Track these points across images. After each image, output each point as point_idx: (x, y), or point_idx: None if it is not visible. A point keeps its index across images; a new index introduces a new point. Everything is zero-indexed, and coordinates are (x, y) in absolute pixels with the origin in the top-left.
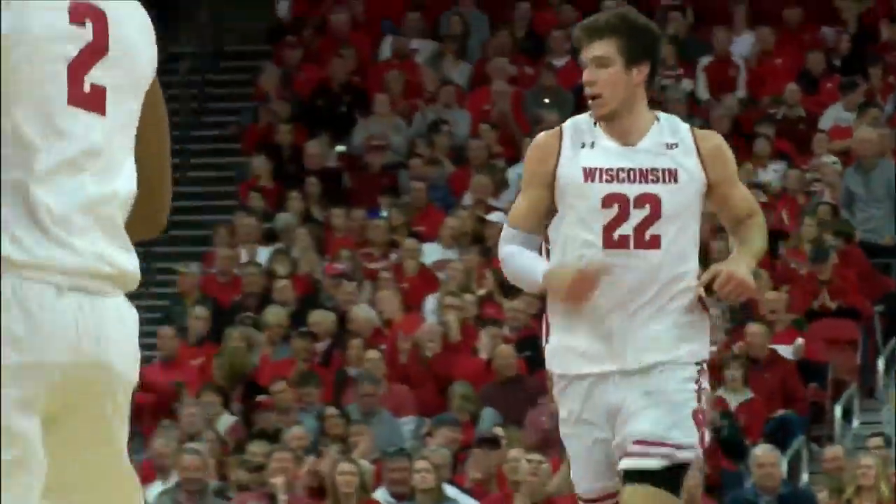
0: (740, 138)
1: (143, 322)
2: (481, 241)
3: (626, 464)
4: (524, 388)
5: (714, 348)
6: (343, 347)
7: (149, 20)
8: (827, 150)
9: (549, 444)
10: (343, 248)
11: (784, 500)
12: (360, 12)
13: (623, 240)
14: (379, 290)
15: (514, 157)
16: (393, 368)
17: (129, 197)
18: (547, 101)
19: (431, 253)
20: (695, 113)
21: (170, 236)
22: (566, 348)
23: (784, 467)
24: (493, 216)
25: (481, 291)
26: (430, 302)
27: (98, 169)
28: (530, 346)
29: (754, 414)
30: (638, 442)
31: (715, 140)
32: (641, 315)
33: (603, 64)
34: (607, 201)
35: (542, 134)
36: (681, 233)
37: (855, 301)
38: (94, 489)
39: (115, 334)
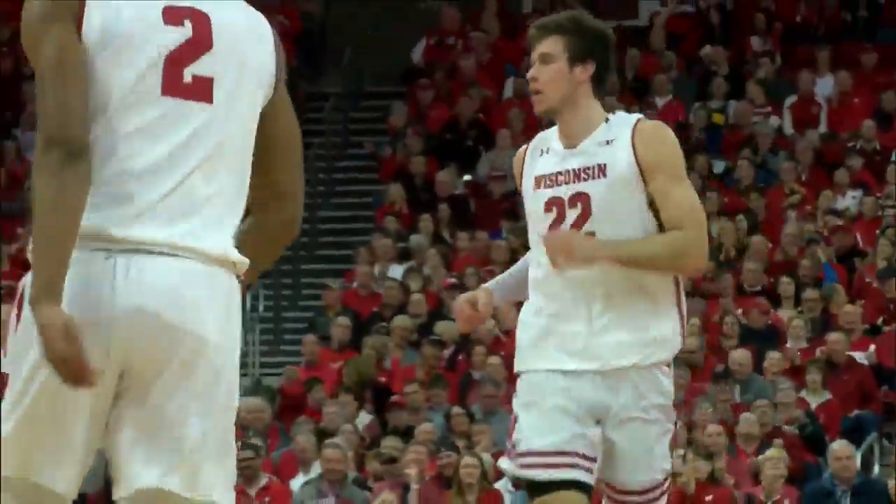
0: (822, 169)
1: (290, 331)
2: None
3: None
4: None
5: (798, 354)
6: (468, 354)
7: (261, 22)
8: None
9: None
10: (468, 265)
11: (858, 489)
12: (486, 57)
13: None
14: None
15: None
16: (511, 372)
17: (235, 181)
18: None
19: None
20: (781, 146)
21: (316, 255)
22: (535, 347)
23: (858, 461)
24: None
25: None
26: None
27: (188, 149)
28: None
29: (832, 413)
30: (628, 493)
31: (654, 128)
32: (600, 318)
33: (546, 61)
34: (547, 206)
35: (522, 147)
36: (619, 228)
37: None
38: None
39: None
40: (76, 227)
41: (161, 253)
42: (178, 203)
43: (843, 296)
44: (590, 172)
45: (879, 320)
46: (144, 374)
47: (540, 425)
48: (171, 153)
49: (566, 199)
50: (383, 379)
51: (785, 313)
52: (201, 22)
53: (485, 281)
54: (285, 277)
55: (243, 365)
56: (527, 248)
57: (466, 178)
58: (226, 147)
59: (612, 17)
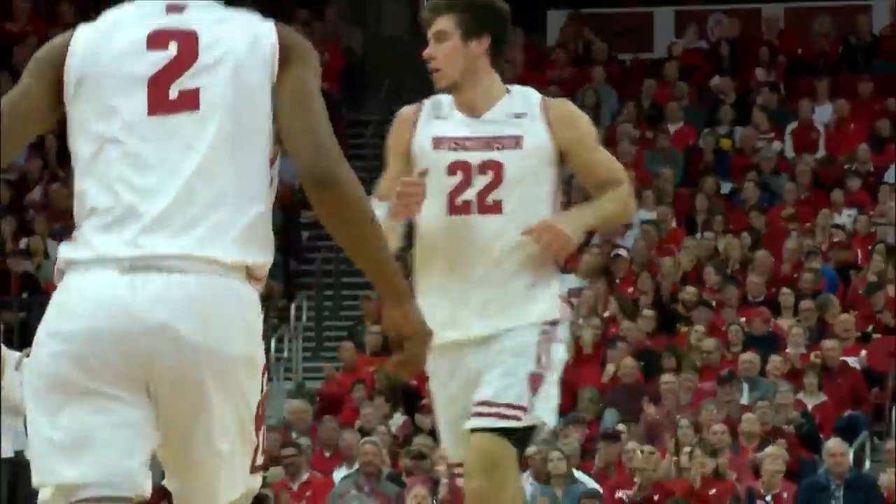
0: (820, 190)
1: (330, 339)
2: (608, 273)
3: (466, 425)
4: (640, 392)
5: (797, 358)
6: None
7: (257, 22)
8: (891, 198)
9: (659, 438)
10: None
11: (850, 484)
12: None
13: (466, 206)
14: None
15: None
16: None
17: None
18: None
19: (567, 282)
20: (783, 168)
21: (356, 269)
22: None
23: (851, 457)
24: (619, 252)
25: (606, 314)
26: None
27: (181, 161)
28: (646, 357)
29: (827, 413)
30: (478, 404)
31: (565, 107)
32: (488, 280)
33: (441, 38)
34: (452, 169)
35: (405, 108)
36: (526, 199)
37: None
38: (180, 465)
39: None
40: None
41: (169, 268)
42: (180, 214)
43: (837, 306)
44: (503, 142)
45: (870, 328)
46: (162, 384)
47: None
48: (165, 168)
49: (475, 165)
50: (414, 383)
51: (785, 322)
52: (187, 39)
53: None
54: (327, 290)
55: (287, 370)
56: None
57: None
58: (222, 149)
59: (629, 51)
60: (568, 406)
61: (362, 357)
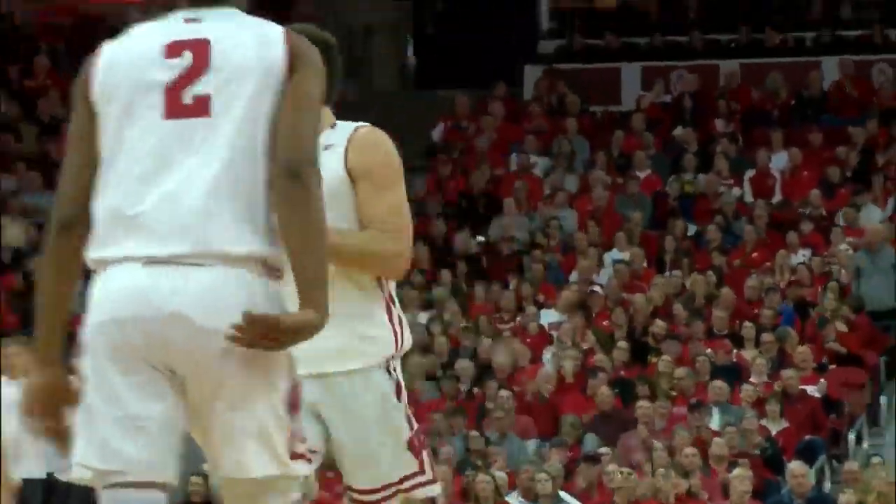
0: (777, 232)
1: None
2: (585, 308)
3: None
4: (617, 418)
5: (759, 387)
6: (482, 388)
7: (269, 30)
8: (842, 240)
9: (635, 460)
10: (481, 313)
11: (812, 502)
12: (494, 138)
13: None
14: (507, 345)
15: (609, 245)
16: (520, 404)
17: (235, 175)
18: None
19: (548, 317)
20: (742, 212)
21: None
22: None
23: (812, 479)
24: (594, 289)
25: (585, 346)
26: (548, 354)
27: (196, 162)
28: (621, 386)
29: (789, 438)
30: (363, 492)
31: (370, 135)
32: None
33: None
34: None
35: None
36: None
37: (863, 353)
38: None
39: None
40: (64, 293)
41: (185, 262)
42: (195, 214)
43: (795, 338)
44: None
45: (824, 359)
46: (181, 371)
47: None
48: (180, 171)
49: None
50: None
51: (748, 353)
52: (201, 48)
53: (496, 325)
54: None
55: None
56: (532, 298)
57: (479, 239)
58: (233, 152)
59: (600, 103)
60: (551, 431)
61: None
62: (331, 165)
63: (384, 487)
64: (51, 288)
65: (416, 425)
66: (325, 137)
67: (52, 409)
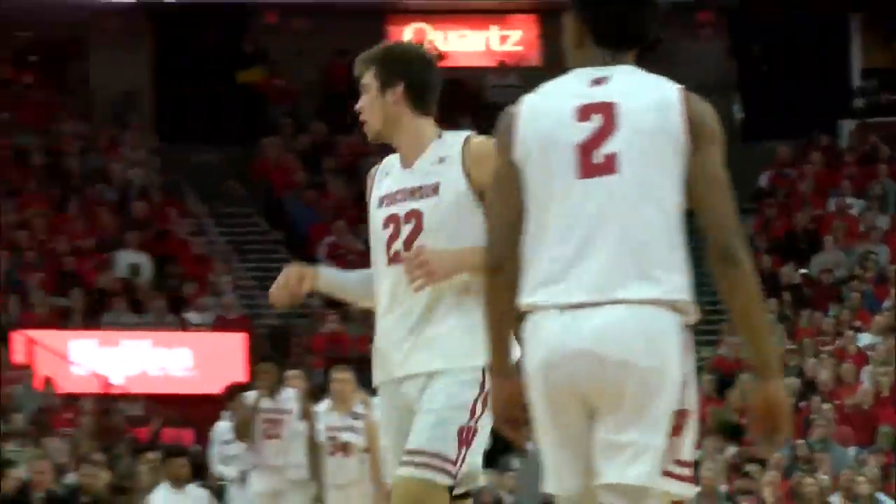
0: None
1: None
2: None
3: (395, 473)
4: None
5: None
6: (808, 401)
7: (668, 93)
8: None
9: None
10: (805, 336)
11: None
12: (815, 183)
13: (396, 255)
14: (825, 366)
15: None
16: (841, 415)
17: (654, 230)
18: None
19: (864, 339)
20: None
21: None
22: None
23: None
24: None
25: None
26: (865, 373)
27: (614, 221)
28: None
29: None
30: (407, 453)
31: (483, 146)
32: (422, 323)
33: (364, 91)
34: (386, 222)
35: (372, 168)
36: (451, 243)
37: None
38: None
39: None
40: (503, 319)
41: (593, 305)
42: (601, 268)
43: None
44: (423, 191)
45: None
46: (592, 399)
47: None
48: (587, 227)
49: (402, 216)
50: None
51: None
52: (609, 111)
53: (818, 347)
54: None
55: None
56: (850, 324)
57: (803, 271)
58: (639, 206)
59: None
60: (869, 440)
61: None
62: (451, 178)
63: (418, 452)
64: (490, 318)
65: (474, 424)
66: (435, 150)
67: (516, 414)
